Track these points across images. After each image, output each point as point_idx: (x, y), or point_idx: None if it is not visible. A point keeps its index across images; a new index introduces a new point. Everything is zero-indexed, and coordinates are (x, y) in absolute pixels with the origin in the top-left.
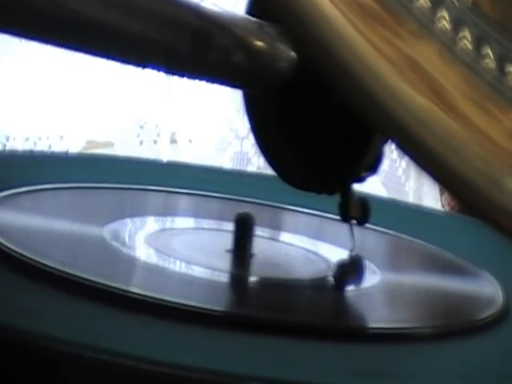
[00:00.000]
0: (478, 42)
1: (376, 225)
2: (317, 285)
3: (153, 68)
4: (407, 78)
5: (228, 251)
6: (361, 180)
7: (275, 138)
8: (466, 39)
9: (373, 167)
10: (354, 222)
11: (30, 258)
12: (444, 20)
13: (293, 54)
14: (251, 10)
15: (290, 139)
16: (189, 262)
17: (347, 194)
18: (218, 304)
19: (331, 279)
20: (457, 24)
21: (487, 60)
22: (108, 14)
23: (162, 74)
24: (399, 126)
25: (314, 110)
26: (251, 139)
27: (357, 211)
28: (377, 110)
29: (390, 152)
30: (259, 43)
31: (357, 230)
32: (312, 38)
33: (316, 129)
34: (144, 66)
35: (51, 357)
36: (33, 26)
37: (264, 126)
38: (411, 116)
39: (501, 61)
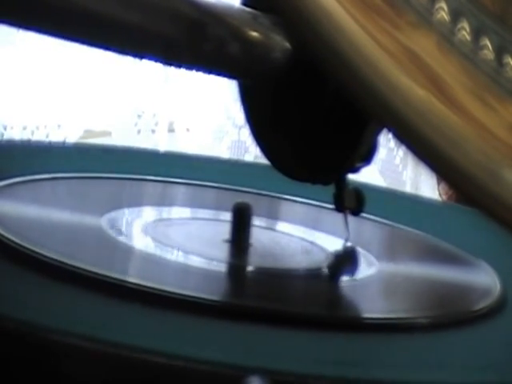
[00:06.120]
0: (477, 34)
1: (373, 215)
2: (314, 275)
3: (149, 59)
4: (406, 70)
5: (226, 241)
6: (355, 170)
7: (270, 129)
8: (464, 30)
9: (367, 157)
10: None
11: (27, 248)
12: (443, 11)
13: (287, 44)
14: (246, 0)
15: (285, 130)
16: (186, 252)
17: (342, 184)
18: (215, 294)
19: (328, 269)
20: (455, 15)
21: (485, 51)
22: (104, 5)
23: (159, 64)
24: (398, 118)
25: (309, 101)
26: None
27: (351, 201)
28: (375, 102)
29: (388, 141)
30: (254, 34)
31: (354, 220)
32: (310, 30)
33: (310, 119)
34: (141, 57)
35: (48, 346)
36: (31, 16)
37: (259, 117)
38: (410, 108)
39: (499, 52)
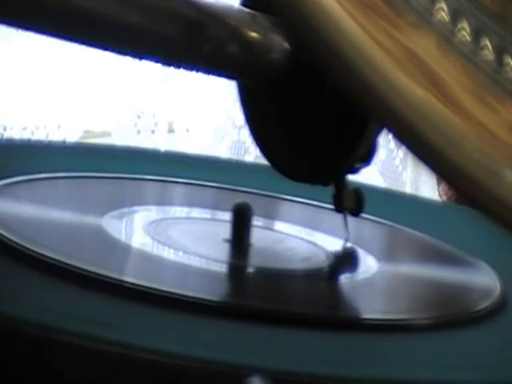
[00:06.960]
0: (477, 34)
1: (373, 215)
2: (314, 275)
3: (148, 59)
4: (406, 70)
5: (226, 241)
6: (355, 171)
7: (269, 130)
8: (464, 31)
9: (367, 158)
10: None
11: (27, 248)
12: (442, 11)
13: (286, 44)
14: (245, 0)
15: (284, 130)
16: (186, 252)
17: (341, 185)
18: (214, 294)
19: (328, 270)
20: (455, 15)
21: (485, 51)
22: (104, 6)
23: (158, 64)
24: (398, 118)
25: (308, 101)
26: None
27: (351, 202)
28: (375, 102)
29: (388, 142)
30: (253, 34)
31: (354, 220)
32: (310, 30)
33: (310, 120)
34: (140, 58)
35: (47, 345)
36: (30, 16)
37: (258, 118)
38: (410, 108)
39: (499, 52)
